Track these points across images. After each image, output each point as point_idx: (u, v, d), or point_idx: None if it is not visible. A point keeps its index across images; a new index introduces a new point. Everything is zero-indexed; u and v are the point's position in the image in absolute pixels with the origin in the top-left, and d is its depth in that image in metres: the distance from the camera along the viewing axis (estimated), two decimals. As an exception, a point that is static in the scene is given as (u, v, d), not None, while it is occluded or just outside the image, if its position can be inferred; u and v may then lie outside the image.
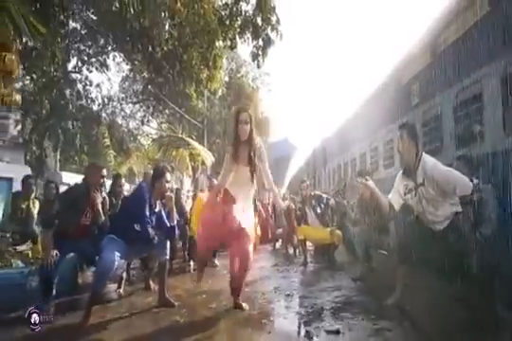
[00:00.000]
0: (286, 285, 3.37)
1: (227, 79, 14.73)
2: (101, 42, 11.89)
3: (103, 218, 2.89)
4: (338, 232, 4.24)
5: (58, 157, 11.90)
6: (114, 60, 13.11)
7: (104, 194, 3.00)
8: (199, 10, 7.12)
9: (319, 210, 4.56)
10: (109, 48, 12.29)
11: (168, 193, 2.84)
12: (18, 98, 2.78)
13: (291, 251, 5.42)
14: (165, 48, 8.36)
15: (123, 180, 3.85)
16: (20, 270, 2.81)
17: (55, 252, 2.55)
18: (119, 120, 15.56)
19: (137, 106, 16.63)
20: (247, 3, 6.65)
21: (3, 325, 2.32)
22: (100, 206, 2.87)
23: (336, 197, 5.16)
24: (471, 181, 2.50)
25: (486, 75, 3.00)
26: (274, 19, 6.21)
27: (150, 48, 8.77)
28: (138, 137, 17.32)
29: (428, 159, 2.46)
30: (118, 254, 2.40)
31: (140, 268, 3.93)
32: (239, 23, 6.82)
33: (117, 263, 2.40)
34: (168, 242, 2.84)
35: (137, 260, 3.56)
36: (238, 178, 2.63)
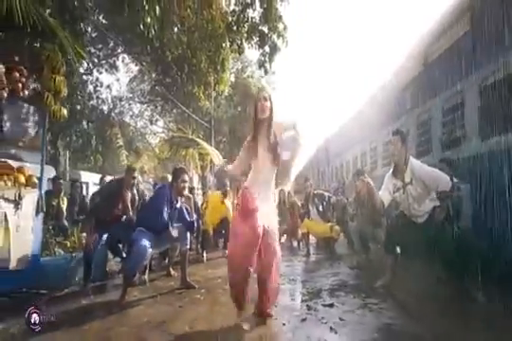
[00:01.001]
0: (290, 272, 3.77)
1: (233, 79, 14.98)
2: (111, 44, 12.31)
3: (131, 212, 3.36)
4: (337, 227, 4.67)
5: (68, 156, 12.39)
6: (123, 61, 13.57)
7: (135, 191, 3.44)
8: (208, 16, 7.46)
9: (321, 208, 4.98)
10: (119, 51, 12.70)
11: (186, 193, 3.26)
12: (65, 112, 3.24)
13: (295, 244, 5.82)
14: (174, 52, 8.70)
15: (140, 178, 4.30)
16: (64, 257, 3.29)
17: (96, 235, 3.10)
18: (127, 120, 16.03)
19: (145, 106, 17.03)
20: (254, 10, 6.95)
21: (54, 302, 2.78)
22: (128, 203, 3.33)
23: (336, 194, 5.57)
24: (452, 181, 2.89)
25: (467, 86, 3.39)
26: (281, 27, 6.47)
27: (159, 52, 9.14)
28: (146, 136, 17.80)
29: (414, 161, 2.84)
30: (148, 243, 2.83)
31: (159, 259, 4.40)
32: (246, 29, 7.14)
33: (149, 251, 2.83)
34: (188, 235, 3.26)
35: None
36: (259, 171, 2.26)
